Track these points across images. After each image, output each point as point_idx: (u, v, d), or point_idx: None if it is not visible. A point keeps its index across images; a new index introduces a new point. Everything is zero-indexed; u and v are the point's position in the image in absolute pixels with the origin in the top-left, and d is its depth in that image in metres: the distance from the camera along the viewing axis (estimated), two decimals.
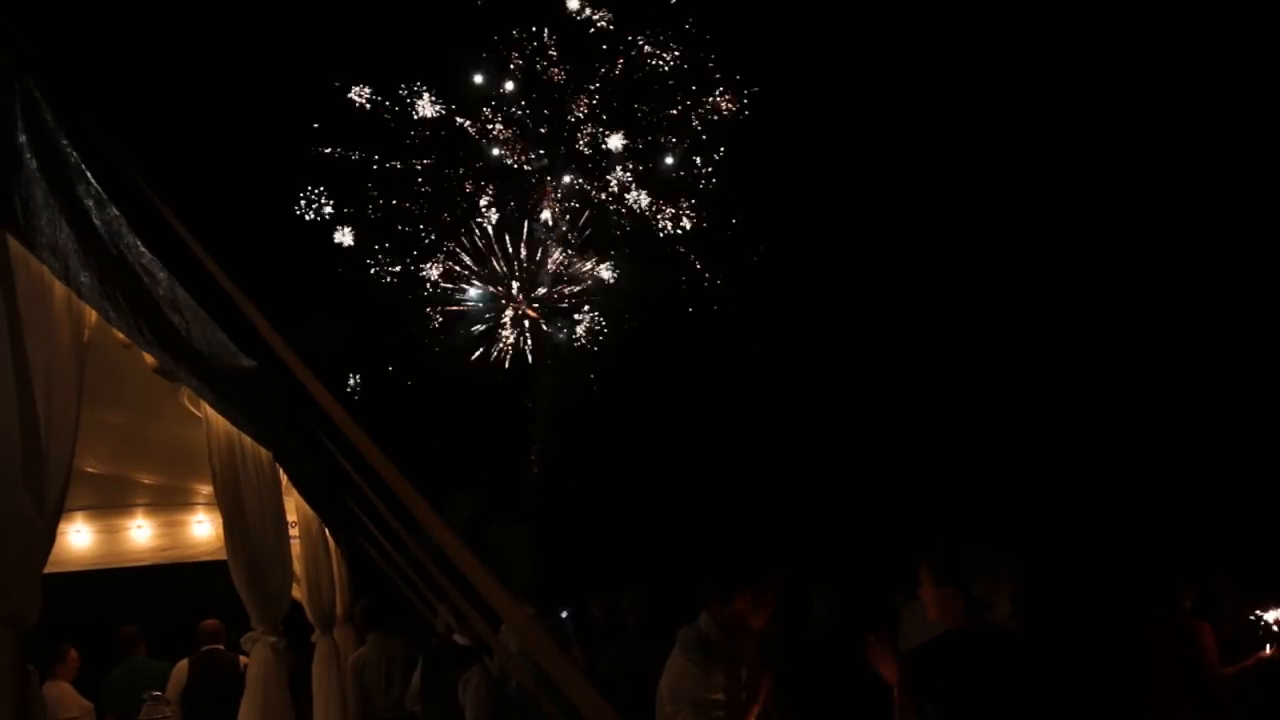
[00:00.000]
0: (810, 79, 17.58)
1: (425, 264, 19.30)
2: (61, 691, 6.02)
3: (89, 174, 2.42)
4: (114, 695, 6.17)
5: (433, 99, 18.64)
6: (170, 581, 7.04)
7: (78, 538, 6.20)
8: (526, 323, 19.97)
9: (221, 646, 6.17)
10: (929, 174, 16.52)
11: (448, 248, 19.37)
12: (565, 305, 19.96)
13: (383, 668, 5.99)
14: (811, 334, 17.35)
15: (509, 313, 19.91)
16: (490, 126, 18.97)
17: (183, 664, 6.10)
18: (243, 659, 4.84)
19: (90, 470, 5.02)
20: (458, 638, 5.41)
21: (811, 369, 17.21)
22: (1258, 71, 13.80)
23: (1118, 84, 15.32)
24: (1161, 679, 5.69)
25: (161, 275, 2.86)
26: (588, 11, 18.78)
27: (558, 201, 19.32)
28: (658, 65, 19.00)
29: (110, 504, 6.19)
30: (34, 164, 2.11)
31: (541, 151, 19.08)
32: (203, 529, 6.61)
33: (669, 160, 19.24)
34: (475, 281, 19.58)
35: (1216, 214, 14.68)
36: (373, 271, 18.96)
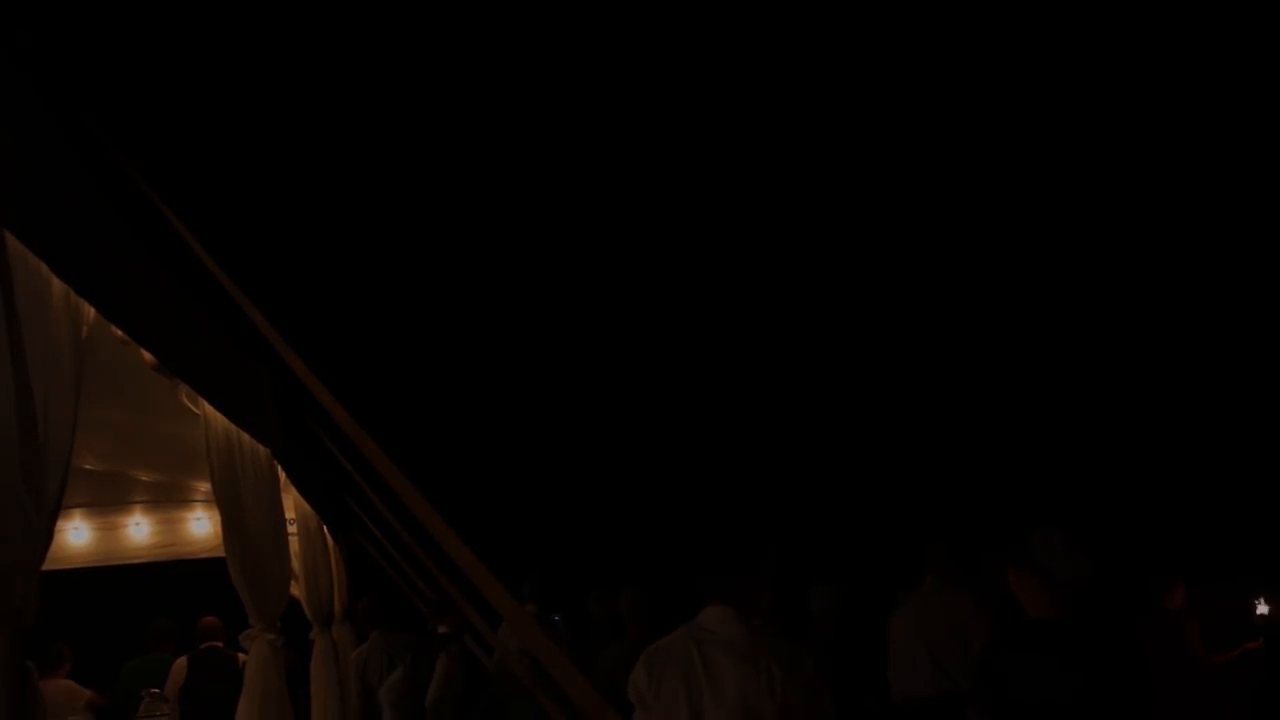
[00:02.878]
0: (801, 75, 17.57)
1: None
2: (64, 688, 6.03)
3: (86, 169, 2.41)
4: (126, 688, 6.15)
5: None
6: (168, 579, 7.05)
7: (76, 535, 6.20)
8: None
9: (220, 644, 6.17)
10: (926, 166, 16.51)
11: None
12: None
13: (386, 663, 6.00)
14: (809, 328, 17.36)
15: None
16: None
17: (181, 661, 6.09)
18: (241, 656, 4.84)
19: (88, 467, 5.02)
20: (441, 628, 5.45)
21: (807, 363, 17.22)
22: (1257, 71, 13.82)
23: (1116, 83, 15.34)
24: (1155, 677, 5.71)
25: (161, 272, 2.86)
26: None
27: None
28: None
29: (108, 501, 6.19)
30: (37, 159, 2.10)
31: None
32: (201, 526, 6.61)
33: None
34: None
35: (1216, 212, 14.71)
36: None
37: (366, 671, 5.97)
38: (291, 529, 4.87)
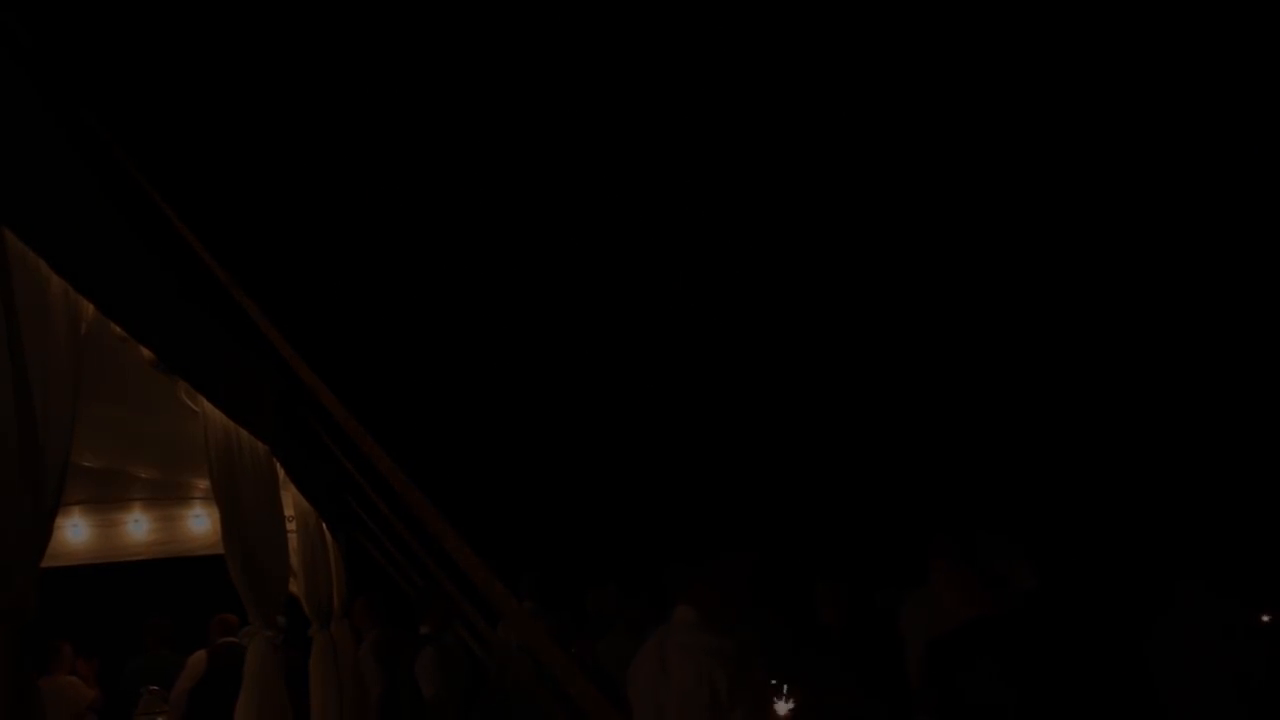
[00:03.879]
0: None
1: None
2: (65, 684, 6.02)
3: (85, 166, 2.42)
4: (129, 689, 6.15)
5: None
6: (167, 576, 7.05)
7: (75, 532, 6.20)
8: None
9: (235, 640, 6.15)
10: (921, 165, 16.50)
11: None
12: None
13: (394, 651, 5.99)
14: (805, 324, 17.34)
15: None
16: None
17: (200, 655, 6.06)
18: None
19: (87, 465, 5.02)
20: (423, 628, 5.45)
21: (804, 359, 17.21)
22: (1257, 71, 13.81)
23: (1115, 83, 15.32)
24: (1160, 679, 5.72)
25: (161, 269, 2.86)
26: None
27: None
28: None
29: (107, 498, 6.19)
30: (36, 154, 2.10)
31: None
32: (200, 524, 6.61)
33: None
34: None
35: (1216, 213, 14.70)
36: None
37: (385, 663, 5.91)
38: (290, 526, 4.87)
